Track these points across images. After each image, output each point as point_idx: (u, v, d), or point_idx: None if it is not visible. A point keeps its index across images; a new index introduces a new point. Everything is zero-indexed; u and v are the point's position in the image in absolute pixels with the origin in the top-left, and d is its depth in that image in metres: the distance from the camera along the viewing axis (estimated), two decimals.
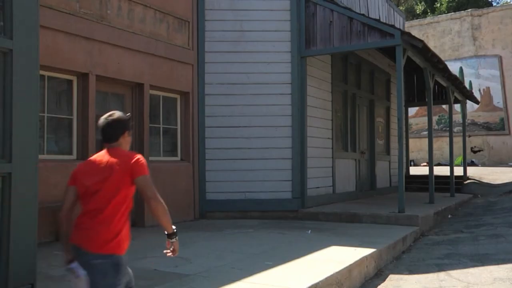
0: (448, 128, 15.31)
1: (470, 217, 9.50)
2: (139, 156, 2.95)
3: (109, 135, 3.00)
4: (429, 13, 32.85)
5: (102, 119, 3.00)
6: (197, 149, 8.99)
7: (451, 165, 12.38)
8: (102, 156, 2.96)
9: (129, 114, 3.29)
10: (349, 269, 4.88)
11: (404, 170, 11.57)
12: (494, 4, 34.27)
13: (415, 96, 15.91)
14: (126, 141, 3.08)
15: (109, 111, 3.11)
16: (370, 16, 11.55)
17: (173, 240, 3.09)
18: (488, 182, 14.89)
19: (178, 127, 8.98)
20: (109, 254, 2.80)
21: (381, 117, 13.42)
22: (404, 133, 10.69)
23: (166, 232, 3.07)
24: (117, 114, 3.06)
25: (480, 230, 7.83)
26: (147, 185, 2.98)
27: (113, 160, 2.91)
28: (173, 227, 3.04)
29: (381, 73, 13.26)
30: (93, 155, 3.09)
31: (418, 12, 34.57)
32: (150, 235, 7.03)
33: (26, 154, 3.44)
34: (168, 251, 3.13)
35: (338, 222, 8.38)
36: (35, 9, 3.55)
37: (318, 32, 9.14)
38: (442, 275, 5.27)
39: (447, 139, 15.84)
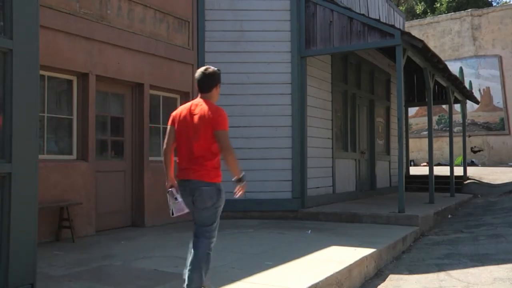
0: (448, 128, 15.31)
1: (470, 217, 9.50)
2: (222, 112, 3.64)
3: (205, 85, 3.70)
4: (429, 13, 32.85)
5: (199, 72, 3.71)
6: None
7: (451, 165, 12.38)
8: (196, 104, 3.67)
9: (219, 69, 3.86)
10: (349, 269, 4.88)
11: (404, 170, 11.57)
12: (494, 4, 34.28)
13: (415, 96, 15.92)
14: (217, 92, 3.76)
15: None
16: (370, 16, 11.55)
17: (242, 184, 3.78)
18: (488, 182, 14.89)
19: None
20: (212, 183, 3.60)
21: (381, 117, 13.42)
22: (404, 133, 10.69)
23: (235, 178, 3.72)
24: (211, 68, 3.74)
25: (480, 230, 7.83)
26: (222, 139, 3.62)
27: (203, 111, 3.59)
28: (242, 173, 3.75)
29: (381, 73, 13.26)
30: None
31: (418, 12, 34.57)
32: (150, 235, 7.03)
33: (26, 154, 3.44)
34: (238, 193, 3.78)
35: (338, 222, 8.38)
36: (35, 9, 3.55)
37: (318, 32, 9.14)
38: (442, 275, 5.27)
39: (447, 139, 15.85)
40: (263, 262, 4.98)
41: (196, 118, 3.60)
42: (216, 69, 3.76)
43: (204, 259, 3.58)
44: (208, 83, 3.71)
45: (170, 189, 3.73)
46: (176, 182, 3.73)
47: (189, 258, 3.59)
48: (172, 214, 3.75)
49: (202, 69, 3.75)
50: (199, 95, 3.72)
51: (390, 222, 7.99)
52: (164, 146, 3.77)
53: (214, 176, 3.65)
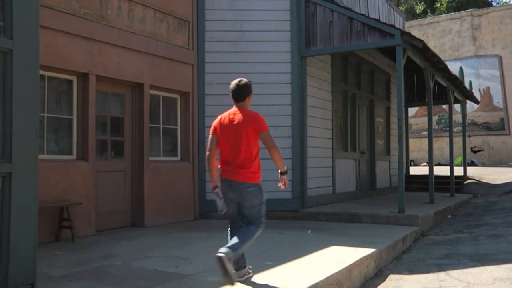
0: (448, 128, 15.31)
1: (470, 217, 9.50)
2: (260, 115, 4.20)
3: (239, 95, 4.25)
4: (429, 13, 32.85)
5: (233, 83, 4.27)
6: (197, 149, 8.99)
7: (451, 165, 12.38)
8: (234, 113, 4.22)
9: (251, 80, 4.41)
10: (349, 269, 4.89)
11: (404, 170, 11.58)
12: (494, 4, 34.28)
13: (415, 96, 15.92)
14: (249, 101, 4.32)
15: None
16: (370, 16, 11.55)
17: (284, 176, 4.27)
18: (488, 182, 14.89)
19: (178, 127, 8.99)
20: (255, 183, 4.14)
21: (381, 117, 13.42)
22: (404, 133, 10.68)
23: (279, 171, 4.24)
24: (244, 80, 4.30)
25: (480, 230, 7.83)
26: (267, 139, 4.14)
27: (244, 117, 4.13)
28: (285, 167, 4.25)
29: (381, 73, 13.26)
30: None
31: (418, 12, 34.57)
32: (150, 235, 7.03)
33: (26, 154, 3.44)
34: (281, 184, 4.30)
35: (338, 222, 8.38)
36: (35, 9, 3.55)
37: (318, 32, 9.14)
38: (442, 275, 5.27)
39: (447, 139, 15.84)
40: (263, 262, 4.98)
41: (237, 125, 4.14)
42: (248, 81, 4.33)
43: (248, 237, 4.09)
44: (242, 93, 4.25)
45: (215, 190, 4.20)
46: (218, 182, 4.22)
47: (232, 234, 4.18)
48: (220, 211, 4.26)
49: (236, 81, 4.28)
50: (234, 105, 4.28)
51: (390, 222, 7.99)
52: (207, 152, 4.29)
53: (256, 178, 4.19)
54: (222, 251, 3.82)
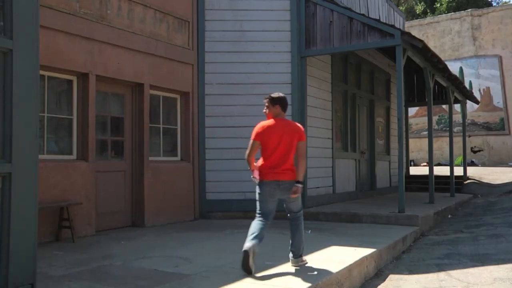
0: (448, 128, 15.31)
1: (470, 217, 9.50)
2: (302, 126, 4.82)
3: (285, 106, 4.80)
4: (429, 13, 32.85)
5: (279, 95, 4.82)
6: (197, 149, 8.99)
7: (451, 165, 12.38)
8: (278, 122, 4.70)
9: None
10: (349, 269, 4.89)
11: (404, 170, 11.58)
12: (494, 4, 34.28)
13: (415, 96, 15.92)
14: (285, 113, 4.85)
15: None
16: (370, 16, 11.55)
17: (299, 186, 4.66)
18: (488, 182, 14.89)
19: (178, 127, 8.99)
20: (293, 180, 4.66)
21: (381, 117, 13.42)
22: (404, 133, 10.68)
23: (297, 179, 4.68)
24: (280, 95, 4.86)
25: (480, 230, 7.83)
26: (302, 148, 4.72)
27: (290, 126, 4.71)
28: (301, 180, 4.71)
29: (381, 73, 13.25)
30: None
31: (418, 12, 34.57)
32: (150, 235, 7.03)
33: (26, 154, 3.44)
34: (293, 194, 4.67)
35: (338, 222, 8.38)
36: (35, 9, 3.55)
37: (318, 32, 9.14)
38: (442, 275, 5.27)
39: (447, 139, 15.85)
40: (263, 262, 4.97)
41: (287, 134, 4.65)
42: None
43: (302, 231, 4.93)
44: (287, 105, 4.86)
45: (254, 176, 4.76)
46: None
47: (252, 232, 4.60)
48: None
49: (279, 94, 4.85)
50: (274, 114, 4.78)
51: (390, 222, 7.99)
52: (248, 156, 4.75)
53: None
54: (291, 256, 4.83)
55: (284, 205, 4.86)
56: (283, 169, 4.63)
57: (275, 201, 4.78)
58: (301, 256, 4.82)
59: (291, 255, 4.84)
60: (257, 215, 4.74)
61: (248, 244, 4.40)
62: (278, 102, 4.74)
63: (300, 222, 4.94)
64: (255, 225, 4.63)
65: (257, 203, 4.77)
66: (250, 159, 4.76)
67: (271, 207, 4.77)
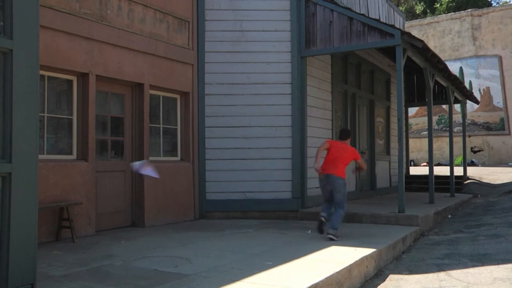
0: (448, 128, 15.31)
1: (470, 217, 9.50)
2: (355, 150, 7.23)
3: (346, 136, 7.13)
4: (429, 13, 32.85)
5: (344, 129, 8.19)
6: (197, 149, 8.99)
7: (451, 165, 12.38)
8: (341, 143, 7.02)
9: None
10: (349, 269, 4.89)
11: (404, 170, 11.57)
12: (494, 4, 34.27)
13: (415, 96, 15.91)
14: (348, 141, 7.13)
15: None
16: (370, 16, 11.54)
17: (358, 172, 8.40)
18: (488, 182, 14.89)
19: (178, 127, 8.99)
20: (343, 178, 6.74)
21: (381, 117, 13.42)
22: (404, 133, 10.67)
23: (359, 167, 7.49)
24: (347, 129, 8.67)
25: (480, 230, 7.83)
26: (361, 162, 7.30)
27: (348, 148, 6.99)
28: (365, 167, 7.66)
29: (381, 73, 13.25)
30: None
31: (418, 12, 34.56)
32: (150, 235, 7.03)
33: (26, 154, 3.44)
34: (356, 172, 8.21)
35: None
36: (35, 9, 3.55)
37: (318, 32, 9.14)
38: (442, 275, 5.27)
39: (447, 139, 15.86)
40: (263, 262, 4.98)
41: (346, 152, 6.92)
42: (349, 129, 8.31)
43: (340, 217, 6.69)
44: (348, 136, 7.19)
45: (317, 169, 6.81)
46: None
47: (325, 207, 6.89)
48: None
49: (343, 128, 8.45)
50: (341, 140, 7.16)
51: (390, 222, 7.99)
52: (317, 156, 6.77)
53: (344, 175, 6.81)
54: (329, 232, 6.45)
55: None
56: (333, 168, 6.75)
57: (330, 191, 6.79)
58: (335, 229, 6.50)
59: (329, 225, 6.61)
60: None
61: (323, 213, 6.77)
62: (341, 133, 7.28)
63: (337, 210, 6.74)
64: (324, 205, 6.98)
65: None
66: (317, 158, 6.79)
67: (327, 195, 6.87)
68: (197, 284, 4.23)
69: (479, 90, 23.63)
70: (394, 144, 13.42)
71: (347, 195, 6.51)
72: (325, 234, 6.50)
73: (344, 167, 6.86)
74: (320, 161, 6.81)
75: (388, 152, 13.61)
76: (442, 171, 14.80)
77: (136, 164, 6.79)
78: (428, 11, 33.49)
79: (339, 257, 5.27)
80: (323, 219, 6.70)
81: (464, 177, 14.92)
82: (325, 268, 4.73)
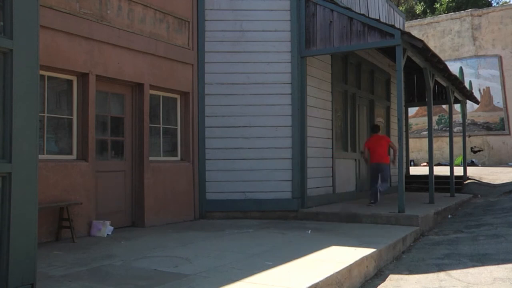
0: (448, 128, 15.31)
1: (470, 217, 9.50)
2: (386, 136, 11.64)
3: (376, 129, 10.27)
4: (429, 13, 32.85)
5: (373, 124, 11.44)
6: (197, 149, 8.99)
7: (451, 165, 12.38)
8: (375, 136, 10.05)
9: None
10: (349, 269, 4.89)
11: (404, 170, 11.57)
12: (494, 4, 34.28)
13: (415, 96, 15.91)
14: (379, 131, 10.33)
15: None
16: (370, 16, 11.55)
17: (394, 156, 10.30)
18: (488, 182, 14.89)
19: (178, 127, 8.99)
20: (385, 162, 9.82)
21: (381, 117, 13.42)
22: (404, 133, 10.67)
23: (395, 159, 9.89)
24: (376, 124, 11.34)
25: (480, 230, 7.83)
26: (392, 144, 10.04)
27: (380, 136, 10.10)
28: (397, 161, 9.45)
29: (381, 73, 13.26)
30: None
31: (418, 12, 34.57)
32: (150, 235, 7.03)
33: (26, 154, 3.44)
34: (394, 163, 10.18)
35: (338, 222, 8.38)
36: (35, 9, 3.55)
37: (318, 32, 9.14)
38: (442, 275, 5.27)
39: (447, 139, 15.85)
40: (263, 262, 4.98)
41: (379, 140, 9.86)
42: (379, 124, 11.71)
43: (386, 187, 9.78)
44: (378, 128, 10.25)
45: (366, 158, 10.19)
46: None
47: (379, 184, 9.68)
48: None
49: (374, 124, 11.18)
50: (373, 133, 10.13)
51: (390, 222, 7.99)
52: (364, 153, 10.11)
53: (384, 159, 9.72)
54: (380, 188, 9.58)
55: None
56: (379, 157, 9.76)
57: (377, 174, 9.75)
58: (380, 192, 9.67)
59: (380, 188, 9.68)
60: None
61: (378, 186, 9.63)
62: (372, 128, 10.43)
63: (383, 183, 9.70)
64: (375, 182, 9.78)
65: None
66: (364, 154, 10.27)
67: (375, 177, 9.76)
68: (197, 284, 4.23)
69: (479, 90, 23.63)
70: (394, 144, 13.40)
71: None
72: (378, 202, 9.55)
73: (384, 150, 9.73)
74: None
75: (388, 152, 13.59)
76: (442, 171, 14.80)
77: None
78: (428, 11, 33.50)
79: (339, 257, 5.27)
80: (380, 189, 9.61)
81: (464, 177, 14.92)
82: (325, 268, 4.73)
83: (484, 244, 6.70)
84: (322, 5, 9.11)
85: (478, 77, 23.83)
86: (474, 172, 16.85)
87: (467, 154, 20.07)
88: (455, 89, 12.84)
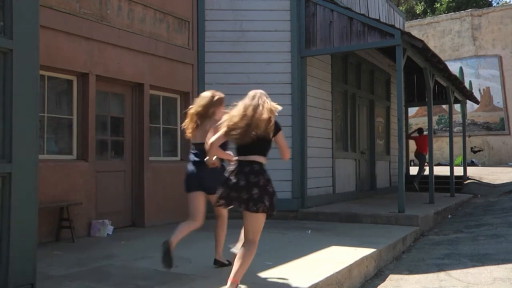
0: (448, 128, 15.31)
1: (470, 217, 9.50)
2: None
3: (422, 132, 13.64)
4: (429, 13, 32.84)
5: (419, 128, 14.20)
6: None
7: (451, 165, 12.38)
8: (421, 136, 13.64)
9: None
10: (349, 269, 4.89)
11: (404, 170, 11.58)
12: (494, 4, 34.28)
13: (415, 96, 15.91)
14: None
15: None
16: (370, 16, 11.54)
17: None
18: (488, 182, 14.89)
19: (178, 127, 8.98)
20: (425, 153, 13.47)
21: (381, 117, 13.41)
22: (404, 133, 10.69)
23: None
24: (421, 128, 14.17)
25: (480, 230, 7.83)
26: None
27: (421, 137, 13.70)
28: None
29: (381, 73, 13.25)
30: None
31: (418, 12, 34.57)
32: (150, 235, 7.03)
33: (26, 154, 3.44)
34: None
35: (338, 222, 8.37)
36: (35, 9, 3.55)
37: (318, 32, 9.14)
38: (442, 275, 5.27)
39: (447, 139, 15.84)
40: (263, 262, 4.98)
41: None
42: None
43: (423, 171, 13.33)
44: (421, 132, 12.18)
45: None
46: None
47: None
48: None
49: (420, 128, 13.78)
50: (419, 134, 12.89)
51: (390, 222, 7.99)
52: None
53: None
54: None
55: None
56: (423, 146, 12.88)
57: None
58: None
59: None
60: None
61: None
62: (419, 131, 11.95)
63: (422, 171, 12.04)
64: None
65: None
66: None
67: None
68: (197, 284, 4.23)
69: (479, 90, 23.62)
70: (394, 144, 13.42)
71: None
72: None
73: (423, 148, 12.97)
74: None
75: (388, 152, 13.61)
76: (442, 171, 14.80)
77: None
78: (428, 11, 33.50)
79: (339, 257, 5.27)
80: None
81: (464, 177, 14.92)
82: (325, 268, 4.73)
83: (484, 244, 6.70)
84: (322, 5, 9.11)
85: (478, 77, 23.83)
86: (474, 172, 16.85)
87: (467, 154, 20.06)
88: (455, 89, 12.84)
